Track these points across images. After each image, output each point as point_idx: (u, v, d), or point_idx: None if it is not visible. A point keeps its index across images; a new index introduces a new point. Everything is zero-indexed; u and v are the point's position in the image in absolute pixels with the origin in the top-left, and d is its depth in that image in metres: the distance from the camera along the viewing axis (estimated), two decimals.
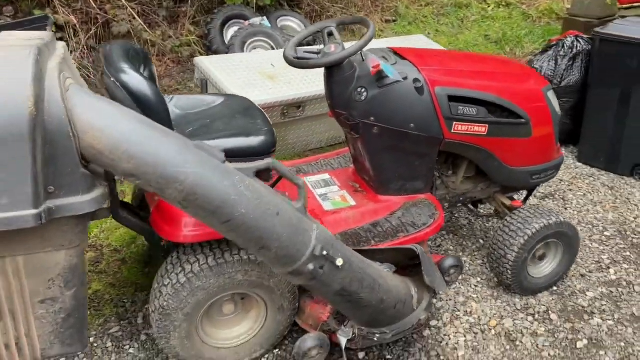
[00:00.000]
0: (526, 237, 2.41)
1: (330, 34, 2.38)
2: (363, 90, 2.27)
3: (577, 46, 4.09)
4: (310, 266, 1.74)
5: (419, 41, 4.51)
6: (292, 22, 5.11)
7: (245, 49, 4.43)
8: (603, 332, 2.37)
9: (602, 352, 2.26)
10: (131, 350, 2.33)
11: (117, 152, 1.49)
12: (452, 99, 2.32)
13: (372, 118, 2.30)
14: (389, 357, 2.25)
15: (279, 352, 2.30)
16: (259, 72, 3.50)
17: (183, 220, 1.97)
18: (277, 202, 1.69)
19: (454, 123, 2.34)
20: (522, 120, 2.43)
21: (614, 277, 2.74)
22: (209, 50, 4.63)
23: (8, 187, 1.38)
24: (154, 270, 2.79)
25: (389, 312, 2.05)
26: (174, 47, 4.66)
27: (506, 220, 2.53)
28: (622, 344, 2.31)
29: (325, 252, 1.75)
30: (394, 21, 6.07)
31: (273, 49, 4.53)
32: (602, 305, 2.54)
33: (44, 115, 1.41)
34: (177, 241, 1.99)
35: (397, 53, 2.46)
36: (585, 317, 2.46)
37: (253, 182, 1.67)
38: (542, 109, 2.49)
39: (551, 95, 2.56)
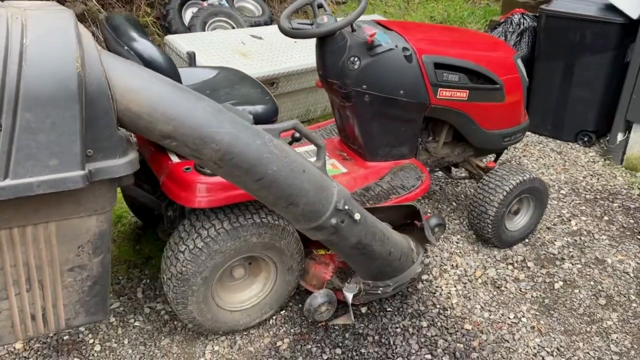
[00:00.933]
0: (504, 193, 2.63)
1: (320, 6, 2.47)
2: (356, 59, 2.39)
3: (523, 23, 4.39)
4: (333, 220, 1.85)
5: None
6: (248, 3, 5.12)
7: (206, 29, 4.42)
8: (574, 274, 2.64)
9: (576, 291, 2.53)
10: (136, 324, 2.35)
11: (156, 113, 1.52)
12: (438, 66, 2.48)
13: (365, 86, 2.42)
14: (389, 309, 2.41)
15: (286, 313, 2.40)
16: (231, 49, 3.53)
17: (197, 187, 2.02)
18: (302, 161, 1.78)
19: (439, 89, 2.51)
20: (497, 85, 2.64)
21: (575, 228, 3.03)
22: (168, 32, 4.56)
23: (58, 148, 1.40)
24: (145, 247, 2.81)
25: (394, 264, 2.20)
26: None
27: (484, 179, 2.74)
28: (592, 283, 2.59)
29: (346, 207, 1.86)
30: (344, 3, 6.21)
31: (234, 28, 4.53)
32: (570, 252, 2.81)
33: (86, 76, 1.42)
34: (192, 206, 2.03)
35: (382, 24, 2.59)
36: (557, 262, 2.73)
37: (280, 142, 1.75)
38: (513, 76, 2.71)
39: (519, 63, 2.78)
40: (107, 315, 1.90)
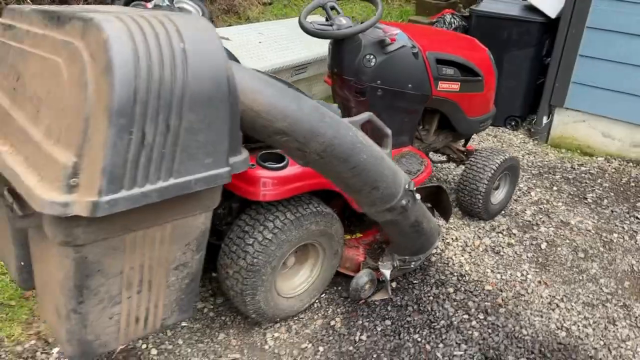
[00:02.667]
0: (492, 171, 3.02)
1: (333, 8, 2.66)
2: (372, 57, 2.61)
3: (454, 22, 4.89)
4: (403, 201, 2.07)
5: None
6: (186, 4, 5.06)
7: None
8: (551, 235, 3.11)
9: (559, 249, 2.99)
10: (183, 324, 2.37)
11: (274, 111, 1.63)
12: (438, 61, 2.78)
13: (379, 81, 2.65)
14: (415, 282, 2.67)
15: (325, 296, 2.56)
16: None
17: (262, 181, 2.12)
18: (379, 149, 1.98)
19: (439, 82, 2.81)
20: (479, 77, 3.01)
21: (536, 198, 3.53)
22: None
23: (212, 147, 1.46)
24: None
25: (432, 239, 2.46)
26: None
27: (471, 160, 3.11)
28: (567, 241, 3.06)
29: (413, 188, 2.09)
30: (270, 4, 6.34)
31: None
32: (540, 218, 3.29)
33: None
34: (257, 199, 2.12)
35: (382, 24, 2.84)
36: (535, 227, 3.18)
37: (362, 133, 1.92)
38: (489, 68, 3.10)
39: (491, 57, 3.18)
40: (194, 313, 1.95)
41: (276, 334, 2.33)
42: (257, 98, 1.61)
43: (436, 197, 2.67)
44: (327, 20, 2.64)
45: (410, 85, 2.72)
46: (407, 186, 2.06)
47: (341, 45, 2.61)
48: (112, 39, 1.26)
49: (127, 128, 1.27)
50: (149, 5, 4.55)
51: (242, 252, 2.13)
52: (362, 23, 2.53)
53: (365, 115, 2.01)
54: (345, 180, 1.90)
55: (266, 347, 2.27)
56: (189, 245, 1.76)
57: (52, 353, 2.20)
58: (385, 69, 2.64)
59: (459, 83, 2.90)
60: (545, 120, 4.56)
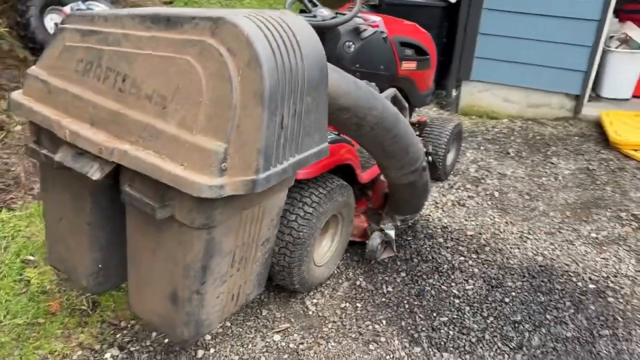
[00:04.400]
0: (447, 137, 3.48)
1: (310, 0, 2.90)
2: (350, 43, 2.91)
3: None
4: (424, 162, 2.41)
5: None
6: (98, 7, 4.88)
7: None
8: (497, 185, 3.66)
9: (509, 195, 3.54)
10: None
11: (339, 90, 1.87)
12: (402, 44, 3.15)
13: (357, 65, 2.96)
14: (409, 238, 3.04)
15: (340, 262, 2.83)
16: None
17: None
18: (405, 119, 2.29)
19: (403, 62, 3.19)
20: (428, 56, 3.44)
21: (472, 158, 4.08)
22: (34, 42, 4.14)
23: (319, 125, 1.66)
24: None
25: (427, 196, 2.84)
26: None
27: (427, 129, 3.54)
28: (512, 188, 3.64)
29: (431, 151, 2.44)
30: (171, 2, 6.28)
31: None
32: (483, 173, 3.84)
33: None
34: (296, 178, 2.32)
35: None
36: (482, 182, 3.71)
37: (392, 105, 2.22)
38: (433, 48, 3.55)
39: (432, 39, 3.63)
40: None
41: (314, 300, 2.55)
42: (330, 83, 1.83)
43: None
44: (305, 12, 2.88)
45: (382, 67, 3.06)
46: (427, 150, 2.41)
47: (323, 35, 2.86)
48: (252, 35, 1.42)
49: (274, 112, 1.45)
50: (66, 10, 4.39)
51: (286, 228, 2.32)
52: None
53: (392, 91, 2.31)
54: (385, 148, 2.19)
55: (310, 312, 2.49)
56: (272, 220, 1.94)
57: (106, 358, 2.22)
58: (362, 53, 2.95)
59: (416, 62, 3.31)
60: (454, 92, 5.19)
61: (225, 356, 2.25)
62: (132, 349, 2.27)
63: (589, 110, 4.85)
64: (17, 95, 1.76)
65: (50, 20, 4.35)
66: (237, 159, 1.46)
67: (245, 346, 2.30)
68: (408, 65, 3.24)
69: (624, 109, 4.89)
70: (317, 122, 1.67)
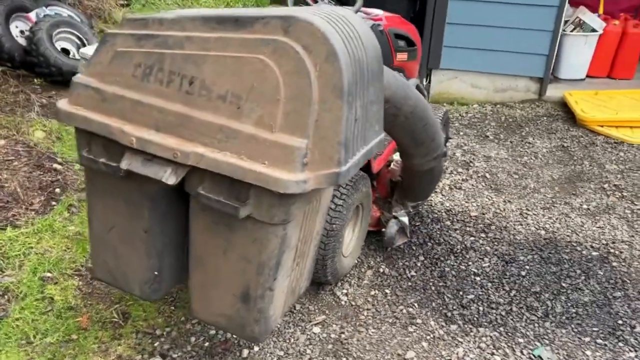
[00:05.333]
0: (440, 122, 3.60)
1: None
2: None
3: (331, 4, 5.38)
4: (444, 148, 2.50)
5: None
6: (62, 12, 4.68)
7: (54, 42, 4.00)
8: (486, 167, 3.83)
9: (498, 175, 3.72)
10: None
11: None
12: (396, 36, 3.24)
13: None
14: (417, 224, 3.15)
15: None
16: None
17: None
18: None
19: (397, 53, 3.28)
20: (416, 47, 3.55)
21: (455, 143, 4.24)
22: (0, 51, 3.93)
23: (378, 115, 1.71)
24: None
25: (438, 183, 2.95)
26: None
27: None
28: (500, 169, 3.82)
29: (450, 138, 2.53)
30: (128, 5, 6.10)
31: (80, 39, 4.22)
32: (470, 157, 4.00)
33: None
34: None
35: None
36: (471, 165, 3.88)
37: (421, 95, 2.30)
38: (419, 39, 3.66)
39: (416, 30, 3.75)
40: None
41: (343, 290, 2.61)
42: None
43: None
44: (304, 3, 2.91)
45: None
46: (447, 135, 2.51)
47: None
48: (327, 31, 1.46)
49: (351, 104, 1.50)
50: (32, 17, 4.20)
51: None
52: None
53: (415, 80, 2.39)
54: (415, 135, 2.27)
55: (342, 302, 2.54)
56: (324, 214, 1.98)
57: None
58: None
59: (407, 53, 3.41)
60: (425, 82, 5.36)
61: (271, 353, 2.27)
62: (174, 355, 2.25)
63: (552, 91, 5.14)
64: (64, 104, 1.70)
65: (16, 28, 4.15)
66: (316, 154, 1.49)
67: (287, 341, 2.32)
68: (401, 57, 3.34)
69: (580, 89, 5.21)
70: (378, 112, 1.72)
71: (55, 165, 3.20)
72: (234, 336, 2.34)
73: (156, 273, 1.87)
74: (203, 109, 1.55)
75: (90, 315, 2.38)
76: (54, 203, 2.94)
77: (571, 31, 5.28)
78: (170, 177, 1.55)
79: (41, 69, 3.96)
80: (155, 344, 2.30)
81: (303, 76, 1.46)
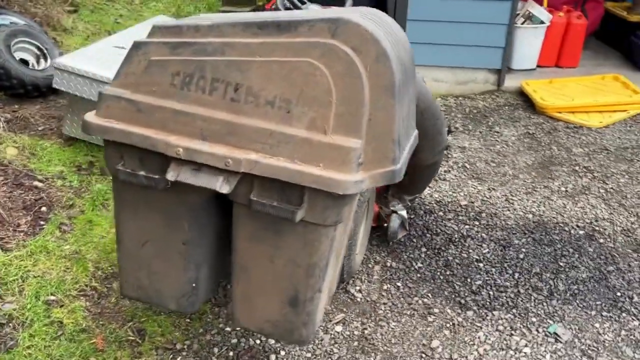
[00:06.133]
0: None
1: None
2: None
3: (286, 4, 5.38)
4: (447, 143, 2.58)
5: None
6: (8, 19, 4.41)
7: (12, 51, 3.78)
8: (463, 157, 3.97)
9: (477, 165, 3.86)
10: None
11: None
12: None
13: None
14: (412, 217, 3.22)
15: None
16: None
17: None
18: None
19: None
20: None
21: None
22: None
23: (414, 112, 1.76)
24: None
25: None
26: None
27: None
28: (477, 158, 3.96)
29: (452, 130, 2.61)
30: (76, 11, 5.84)
31: (40, 49, 4.00)
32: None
33: None
34: None
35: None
36: (450, 156, 4.00)
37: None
38: None
39: None
40: None
41: (356, 288, 2.64)
42: None
43: None
44: (291, 8, 2.92)
45: None
46: (448, 129, 2.59)
47: None
48: (375, 32, 1.49)
49: (401, 102, 1.53)
50: None
51: None
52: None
53: (420, 76, 2.44)
54: (427, 131, 2.33)
55: (358, 299, 2.57)
56: (356, 212, 2.00)
57: None
58: None
59: None
60: None
61: (298, 356, 2.27)
62: None
63: (508, 82, 5.38)
64: (93, 118, 1.64)
65: None
66: (370, 153, 1.52)
67: (312, 343, 2.33)
68: None
69: (533, 78, 5.48)
70: (413, 109, 1.77)
71: (35, 183, 3.03)
72: (258, 343, 2.32)
73: (194, 285, 1.83)
74: (251, 116, 1.54)
75: (105, 336, 2.29)
76: (42, 222, 2.80)
77: (522, 24, 5.54)
78: (223, 186, 1.52)
79: (1, 82, 3.73)
80: (178, 359, 2.25)
81: (354, 77, 1.48)
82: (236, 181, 1.53)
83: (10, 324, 2.27)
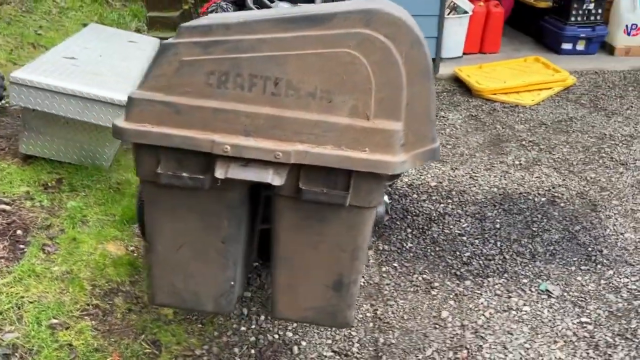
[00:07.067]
0: None
1: None
2: None
3: (228, 8, 5.36)
4: None
5: (101, 30, 4.67)
6: None
7: None
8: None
9: (458, 148, 4.06)
10: None
11: None
12: None
13: None
14: (397, 205, 3.36)
15: None
16: (81, 71, 3.23)
17: None
18: None
19: None
20: None
21: None
22: None
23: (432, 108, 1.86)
24: None
25: None
26: None
27: None
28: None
29: None
30: (30, 12, 5.47)
31: None
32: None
33: None
34: None
35: None
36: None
37: None
38: None
39: None
40: None
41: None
42: None
43: None
44: (259, 7, 2.96)
45: None
46: None
47: None
48: (408, 21, 1.59)
49: (433, 85, 1.64)
50: None
51: None
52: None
53: None
54: None
55: (361, 283, 2.67)
56: None
57: None
58: None
59: None
60: None
61: (319, 344, 2.33)
62: None
63: (442, 70, 5.69)
64: (124, 123, 1.60)
65: None
66: (409, 134, 1.62)
67: (330, 330, 2.39)
68: None
69: (462, 65, 5.84)
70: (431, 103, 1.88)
71: (3, 207, 2.84)
72: (277, 337, 2.35)
73: (232, 284, 1.84)
74: (294, 108, 1.58)
75: (121, 352, 2.22)
76: (22, 246, 2.63)
77: (448, 14, 5.87)
78: (275, 178, 1.55)
79: None
80: None
81: (392, 64, 1.57)
82: (286, 173, 1.57)
83: (17, 354, 2.13)
